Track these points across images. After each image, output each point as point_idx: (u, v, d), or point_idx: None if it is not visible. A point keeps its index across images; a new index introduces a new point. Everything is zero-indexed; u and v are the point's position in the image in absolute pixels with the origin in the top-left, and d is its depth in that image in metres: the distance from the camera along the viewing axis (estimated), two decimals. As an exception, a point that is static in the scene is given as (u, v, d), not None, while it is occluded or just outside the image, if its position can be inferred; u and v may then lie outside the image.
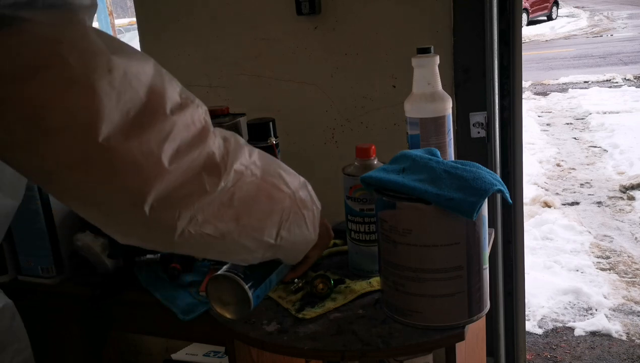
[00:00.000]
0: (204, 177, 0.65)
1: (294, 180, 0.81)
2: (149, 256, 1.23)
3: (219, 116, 1.48)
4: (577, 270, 3.10)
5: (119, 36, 9.95)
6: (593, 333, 2.51)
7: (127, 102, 0.58)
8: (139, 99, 0.59)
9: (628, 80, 7.92)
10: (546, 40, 12.60)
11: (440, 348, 1.00)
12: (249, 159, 0.72)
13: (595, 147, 5.39)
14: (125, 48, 0.62)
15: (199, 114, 0.66)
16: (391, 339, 0.94)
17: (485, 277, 0.96)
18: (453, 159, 1.25)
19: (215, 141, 0.67)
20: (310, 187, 0.85)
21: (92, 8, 0.62)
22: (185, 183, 0.63)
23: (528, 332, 2.46)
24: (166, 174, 0.61)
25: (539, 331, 2.56)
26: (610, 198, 4.15)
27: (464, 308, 0.95)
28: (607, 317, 2.61)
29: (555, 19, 15.75)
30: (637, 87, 7.52)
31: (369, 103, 1.73)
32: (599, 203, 4.08)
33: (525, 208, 2.42)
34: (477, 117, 1.62)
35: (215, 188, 0.66)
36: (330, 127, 1.79)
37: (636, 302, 2.74)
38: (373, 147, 1.12)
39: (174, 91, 0.64)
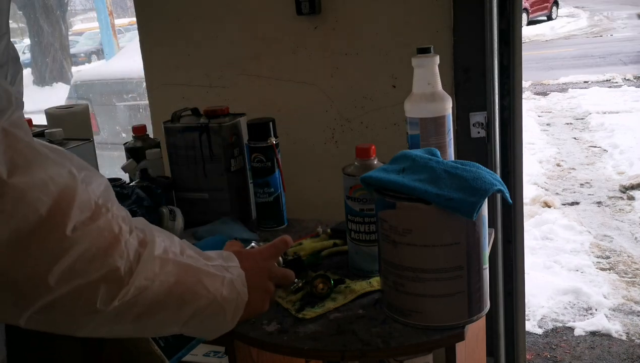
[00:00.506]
0: (98, 293, 0.63)
1: (215, 282, 0.76)
2: None
3: (219, 116, 1.49)
4: (577, 270, 3.10)
5: (119, 36, 9.95)
6: (593, 333, 2.51)
7: (20, 221, 0.57)
8: (37, 217, 0.58)
9: (628, 80, 7.92)
10: (546, 40, 12.60)
11: (440, 348, 1.00)
12: (161, 270, 0.69)
13: (595, 147, 5.39)
14: (39, 159, 0.60)
15: (112, 224, 0.64)
16: (391, 339, 0.94)
17: (485, 277, 0.96)
18: (453, 159, 1.26)
19: (126, 252, 0.65)
20: (239, 281, 0.80)
21: (8, 110, 0.60)
22: (73, 299, 0.61)
23: (528, 332, 2.46)
24: (50, 294, 0.60)
25: (539, 331, 2.56)
26: (610, 198, 4.15)
27: (464, 308, 0.95)
28: (607, 316, 2.61)
29: (555, 19, 15.75)
30: (637, 87, 7.51)
31: (369, 103, 1.73)
32: (599, 203, 4.08)
33: (525, 208, 2.42)
34: (477, 117, 1.62)
35: (107, 306, 0.63)
36: (330, 127, 1.79)
37: (636, 302, 2.74)
38: (373, 147, 1.12)
39: (87, 201, 0.62)
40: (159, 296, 0.68)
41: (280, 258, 0.99)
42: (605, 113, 6.34)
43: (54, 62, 10.75)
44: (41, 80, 10.81)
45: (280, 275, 0.91)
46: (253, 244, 1.04)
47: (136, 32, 2.06)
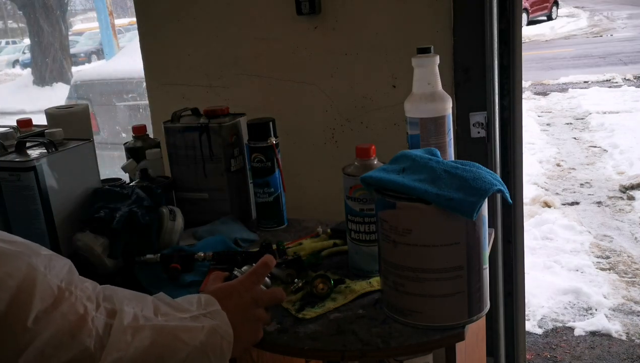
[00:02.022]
0: None
1: (193, 334, 0.77)
2: (148, 256, 1.23)
3: (219, 116, 1.49)
4: (577, 270, 3.10)
5: (119, 36, 9.95)
6: (593, 333, 2.51)
7: None
8: None
9: (628, 80, 7.92)
10: (546, 40, 12.59)
11: (440, 348, 1.00)
12: (133, 338, 0.71)
13: (595, 147, 5.39)
14: None
15: (76, 306, 0.67)
16: (391, 339, 0.94)
17: (485, 277, 0.96)
18: (453, 158, 1.25)
19: (94, 329, 0.67)
20: (221, 324, 0.81)
21: None
22: None
23: (528, 332, 2.46)
24: None
25: (539, 331, 2.56)
26: (610, 198, 4.15)
27: (464, 308, 0.95)
28: (607, 316, 2.61)
29: (555, 19, 15.75)
30: (637, 87, 7.51)
31: (369, 103, 1.73)
32: (599, 203, 4.08)
33: (525, 208, 2.42)
34: (477, 117, 1.62)
35: None
36: (330, 127, 1.79)
37: (636, 302, 2.74)
38: (373, 147, 1.12)
39: (49, 288, 0.65)
40: (134, 360, 0.70)
41: (267, 278, 0.99)
42: (605, 113, 6.34)
43: (54, 62, 10.75)
44: (41, 80, 10.82)
45: (268, 299, 0.92)
46: (235, 273, 1.05)
47: (136, 32, 2.06)
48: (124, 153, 1.67)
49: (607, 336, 2.48)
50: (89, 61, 12.82)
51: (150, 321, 0.74)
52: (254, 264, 1.00)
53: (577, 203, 4.11)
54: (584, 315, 2.67)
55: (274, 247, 1.20)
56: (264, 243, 1.20)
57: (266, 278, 0.97)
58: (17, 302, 0.62)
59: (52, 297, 0.65)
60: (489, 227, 0.97)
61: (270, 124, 1.40)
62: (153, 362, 0.73)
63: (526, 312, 2.35)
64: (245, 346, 0.88)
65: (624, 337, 2.46)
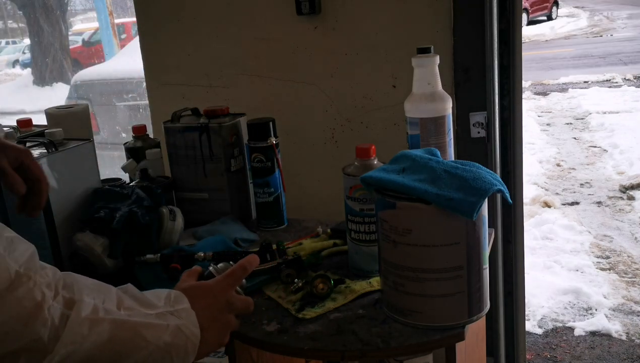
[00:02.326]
0: (20, 362, 0.63)
1: (156, 332, 0.73)
2: (148, 256, 1.23)
3: (219, 116, 1.49)
4: (577, 270, 3.10)
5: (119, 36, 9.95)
6: (593, 333, 2.51)
7: None
8: None
9: (628, 80, 7.92)
10: (546, 40, 12.59)
11: (440, 348, 1.00)
12: (90, 331, 0.67)
13: (595, 147, 5.39)
14: None
15: (34, 292, 0.64)
16: (391, 339, 0.94)
17: (485, 277, 0.96)
18: (453, 158, 1.25)
19: (49, 319, 0.64)
20: (188, 324, 0.78)
21: None
22: None
23: (528, 332, 2.46)
24: None
25: (539, 331, 2.56)
26: (610, 198, 4.15)
27: (464, 308, 0.95)
28: (607, 316, 2.61)
29: (555, 19, 15.74)
30: (637, 87, 7.51)
31: (369, 103, 1.73)
32: (599, 203, 4.08)
33: (525, 209, 2.42)
34: (477, 117, 1.62)
35: None
36: (330, 127, 1.79)
37: (636, 302, 2.74)
38: (373, 147, 1.12)
39: (4, 270, 0.62)
40: (90, 355, 0.67)
41: (238, 289, 0.93)
42: (605, 113, 6.34)
43: (54, 62, 10.75)
44: (41, 80, 10.81)
45: (241, 306, 0.88)
46: (210, 269, 0.96)
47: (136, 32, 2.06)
48: (124, 153, 1.67)
49: (607, 336, 2.48)
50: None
51: (111, 314, 0.70)
52: (231, 263, 0.96)
53: (577, 203, 4.11)
54: (584, 315, 2.67)
55: (274, 247, 1.20)
56: (264, 243, 1.20)
57: (243, 280, 0.92)
58: None
59: (8, 280, 0.62)
60: (489, 227, 0.97)
61: (270, 124, 1.40)
62: (110, 358, 0.69)
63: (526, 312, 2.35)
64: (210, 350, 0.84)
65: (624, 337, 2.46)
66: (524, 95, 2.58)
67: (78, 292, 0.68)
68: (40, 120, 1.72)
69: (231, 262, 0.96)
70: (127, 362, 0.71)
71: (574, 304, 2.76)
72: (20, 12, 10.96)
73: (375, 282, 1.10)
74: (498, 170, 1.64)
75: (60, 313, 0.65)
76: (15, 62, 14.57)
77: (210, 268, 0.96)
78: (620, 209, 3.93)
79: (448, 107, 1.19)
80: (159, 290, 0.80)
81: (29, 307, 0.63)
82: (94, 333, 0.67)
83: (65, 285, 0.67)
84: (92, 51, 10.25)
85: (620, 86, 7.63)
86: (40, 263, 0.68)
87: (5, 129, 1.47)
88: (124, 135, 5.31)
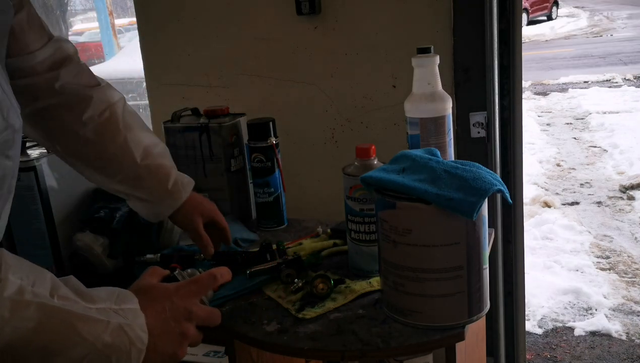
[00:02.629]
0: None
1: (94, 328, 0.65)
2: (148, 256, 1.23)
3: (219, 116, 1.49)
4: (577, 270, 3.10)
5: (119, 36, 9.95)
6: (593, 333, 2.51)
7: None
8: None
9: (628, 80, 7.92)
10: (546, 40, 12.59)
11: (440, 348, 1.00)
12: (13, 314, 0.59)
13: (595, 147, 5.39)
14: None
15: None
16: (391, 339, 0.94)
17: (485, 277, 0.96)
18: (453, 158, 1.26)
19: None
20: (133, 325, 0.69)
21: None
22: None
23: (528, 332, 2.46)
24: None
25: (539, 331, 2.56)
26: (610, 198, 4.15)
27: (464, 308, 0.95)
28: (607, 316, 2.61)
29: (555, 19, 15.75)
30: (637, 87, 7.51)
31: (369, 103, 1.73)
32: (599, 203, 4.08)
33: (525, 208, 2.42)
34: (477, 117, 1.62)
35: None
36: (330, 127, 1.79)
37: (636, 302, 2.74)
38: (373, 147, 1.12)
39: None
40: (12, 345, 0.59)
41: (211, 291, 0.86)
42: (605, 113, 6.34)
43: (54, 62, 10.74)
44: (41, 80, 10.81)
45: (204, 316, 0.78)
46: (176, 274, 0.87)
47: (136, 32, 2.06)
48: (124, 153, 1.67)
49: (607, 336, 2.48)
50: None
51: (41, 299, 0.61)
52: (200, 271, 0.88)
53: (577, 203, 4.11)
54: (584, 315, 2.67)
55: (274, 247, 1.20)
56: (264, 243, 1.20)
57: (210, 291, 0.84)
58: None
59: None
60: (489, 227, 0.97)
61: (270, 124, 1.40)
62: (35, 352, 0.61)
63: (526, 312, 2.35)
64: (162, 361, 0.73)
65: (624, 337, 2.46)
66: (524, 95, 2.59)
67: (4, 269, 0.60)
68: (40, 120, 1.72)
69: (200, 270, 0.88)
70: (57, 360, 0.63)
71: (574, 304, 2.76)
72: (21, 12, 10.95)
73: (375, 282, 1.10)
74: (498, 170, 1.64)
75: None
76: (15, 62, 14.56)
77: (176, 272, 0.87)
78: (620, 209, 3.93)
79: (448, 107, 1.19)
80: (106, 287, 0.71)
81: None
82: (17, 318, 0.59)
83: None
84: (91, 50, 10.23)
85: (620, 86, 7.63)
86: None
87: None
88: (124, 135, 5.30)
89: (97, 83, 1.07)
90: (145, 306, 0.72)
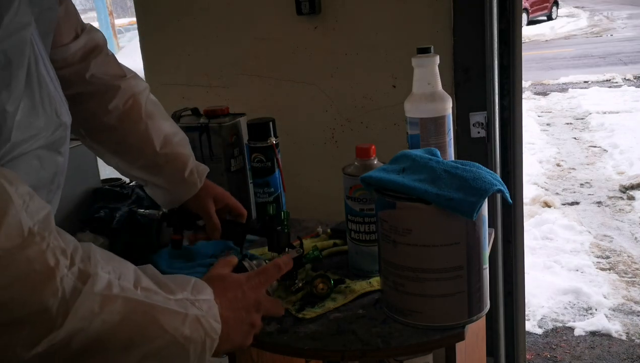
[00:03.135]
0: (20, 336, 0.55)
1: (174, 320, 0.67)
2: (149, 211, 1.23)
3: (219, 116, 1.49)
4: (577, 270, 3.10)
5: (119, 36, 9.96)
6: (593, 333, 2.51)
7: None
8: None
9: (628, 80, 7.93)
10: (546, 40, 12.60)
11: (440, 348, 1.00)
12: (102, 308, 0.60)
13: (595, 147, 5.39)
14: None
15: (46, 256, 0.57)
16: (391, 339, 0.94)
17: (485, 277, 0.96)
18: (453, 158, 1.25)
19: (60, 289, 0.57)
20: (208, 317, 0.71)
21: None
22: None
23: (528, 332, 2.46)
24: None
25: (539, 331, 2.56)
26: (610, 198, 4.15)
27: (464, 308, 0.95)
28: (607, 316, 2.61)
29: (555, 19, 15.75)
30: (637, 87, 7.52)
31: (369, 103, 1.73)
32: (599, 203, 4.08)
33: (525, 208, 2.42)
34: (477, 117, 1.62)
35: (28, 352, 0.55)
36: (330, 127, 1.79)
37: (636, 302, 2.74)
38: (373, 147, 1.12)
39: (17, 226, 0.55)
40: (99, 336, 0.60)
41: (275, 282, 0.93)
42: (605, 113, 6.34)
43: (54, 62, 10.73)
44: (41, 80, 10.80)
45: (270, 307, 0.84)
46: (245, 264, 0.94)
47: (136, 32, 2.06)
48: (124, 153, 1.67)
49: (607, 336, 2.48)
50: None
51: (127, 292, 0.63)
52: (265, 261, 0.96)
53: (577, 203, 4.11)
54: (584, 315, 2.67)
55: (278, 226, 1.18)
56: (267, 217, 1.19)
57: (275, 282, 0.89)
58: None
59: (19, 237, 0.55)
60: (489, 227, 0.97)
61: (270, 124, 1.40)
62: (119, 343, 0.62)
63: (526, 312, 2.35)
64: (230, 350, 0.77)
65: (624, 337, 2.46)
66: (524, 95, 2.59)
67: (94, 264, 0.61)
68: (40, 120, 1.72)
69: (266, 261, 0.95)
70: (139, 350, 0.64)
71: (574, 304, 2.76)
72: (20, 12, 10.94)
73: (375, 282, 1.10)
74: (498, 170, 1.64)
75: (72, 285, 0.58)
76: (15, 62, 14.57)
77: (245, 262, 0.92)
78: (620, 209, 3.93)
79: (448, 107, 1.19)
80: (181, 276, 0.74)
81: (39, 271, 0.56)
82: (105, 312, 0.60)
83: (82, 258, 0.61)
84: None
85: (620, 86, 7.63)
86: (57, 228, 0.61)
87: None
88: (124, 135, 5.30)
89: (125, 74, 1.10)
90: (218, 296, 0.74)
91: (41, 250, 0.56)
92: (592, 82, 8.02)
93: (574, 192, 4.34)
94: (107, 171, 1.80)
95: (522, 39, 1.62)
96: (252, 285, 0.81)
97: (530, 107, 6.98)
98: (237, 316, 0.77)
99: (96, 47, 1.06)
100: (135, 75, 1.13)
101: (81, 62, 1.03)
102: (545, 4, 15.68)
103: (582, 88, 7.79)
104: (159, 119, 1.15)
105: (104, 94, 1.07)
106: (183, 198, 1.17)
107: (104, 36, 1.09)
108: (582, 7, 17.61)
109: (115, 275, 0.63)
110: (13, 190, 0.56)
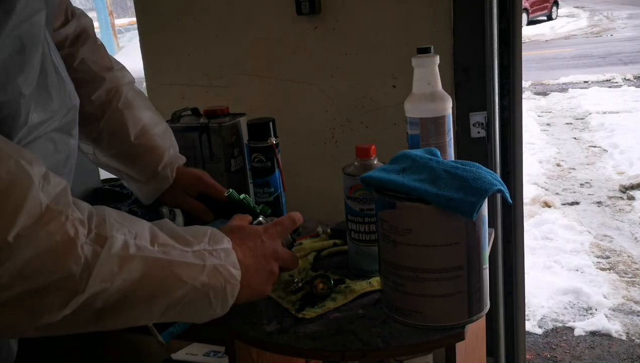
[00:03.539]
0: (47, 302, 0.59)
1: (191, 271, 0.70)
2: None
3: (219, 116, 1.49)
4: (577, 270, 3.10)
5: (119, 36, 9.96)
6: (593, 333, 2.51)
7: None
8: None
9: (628, 80, 7.93)
10: (546, 40, 12.60)
11: (440, 348, 1.00)
12: (121, 268, 0.63)
13: (595, 147, 5.39)
14: None
15: (66, 227, 0.60)
16: (391, 339, 0.94)
17: (485, 277, 0.96)
18: (453, 158, 1.25)
19: (83, 255, 0.60)
20: (226, 265, 0.74)
21: None
22: (17, 308, 0.58)
23: (528, 332, 2.46)
24: None
25: (539, 331, 2.56)
26: (610, 198, 4.15)
27: (464, 308, 0.95)
28: (607, 316, 2.61)
29: (555, 19, 15.76)
30: (637, 87, 7.52)
31: (369, 103, 1.73)
32: (599, 203, 4.08)
33: (525, 208, 2.42)
34: (477, 117, 1.62)
35: (57, 315, 0.60)
36: (330, 127, 1.79)
37: (636, 302, 2.74)
38: (373, 147, 1.12)
39: (37, 203, 0.58)
40: (121, 295, 0.64)
41: (289, 235, 0.96)
42: (605, 113, 6.35)
43: (54, 62, 10.74)
44: (41, 80, 10.80)
45: (287, 257, 0.88)
46: (260, 219, 0.99)
47: (136, 32, 2.06)
48: (124, 153, 1.67)
49: (607, 336, 2.48)
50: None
51: (143, 251, 0.66)
52: (273, 218, 0.97)
53: (577, 203, 4.11)
54: (584, 315, 2.67)
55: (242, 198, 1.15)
56: (227, 194, 1.15)
57: (289, 235, 0.92)
58: (0, 210, 0.55)
59: (39, 214, 0.58)
60: (489, 227, 0.97)
61: (270, 124, 1.40)
62: (141, 298, 0.66)
63: (526, 312, 2.35)
64: (252, 296, 0.81)
65: (624, 337, 2.46)
66: (524, 95, 2.59)
67: (110, 227, 0.64)
68: (40, 120, 1.72)
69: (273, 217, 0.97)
70: (162, 302, 0.68)
71: (574, 304, 2.76)
72: (20, 12, 10.95)
73: (375, 282, 1.10)
74: (498, 170, 1.64)
75: (92, 250, 0.61)
76: (15, 62, 14.56)
77: (260, 218, 0.96)
78: (620, 209, 3.93)
79: (448, 107, 1.19)
80: (198, 227, 0.76)
81: (61, 242, 0.59)
82: (125, 271, 0.64)
83: (97, 223, 0.64)
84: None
85: (620, 86, 7.64)
86: (73, 198, 0.64)
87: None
88: (124, 135, 5.30)
89: (112, 66, 1.11)
90: (237, 244, 0.78)
91: (61, 223, 0.59)
92: (592, 82, 8.03)
93: (574, 192, 4.34)
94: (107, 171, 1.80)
95: (522, 39, 1.62)
96: (270, 234, 0.85)
97: (530, 107, 6.98)
98: (256, 263, 0.81)
99: (83, 32, 1.07)
100: (122, 67, 1.14)
101: (70, 47, 1.04)
102: (545, 4, 15.69)
103: (582, 88, 7.79)
104: (139, 109, 1.14)
105: (89, 84, 1.07)
106: (155, 193, 1.17)
107: (92, 21, 1.09)
108: (582, 7, 17.62)
109: (131, 235, 0.66)
110: (32, 170, 0.59)
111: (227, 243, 0.76)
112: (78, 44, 1.05)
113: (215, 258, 0.73)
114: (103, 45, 1.12)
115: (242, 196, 1.17)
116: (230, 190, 1.17)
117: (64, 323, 0.61)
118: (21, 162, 0.58)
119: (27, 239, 0.56)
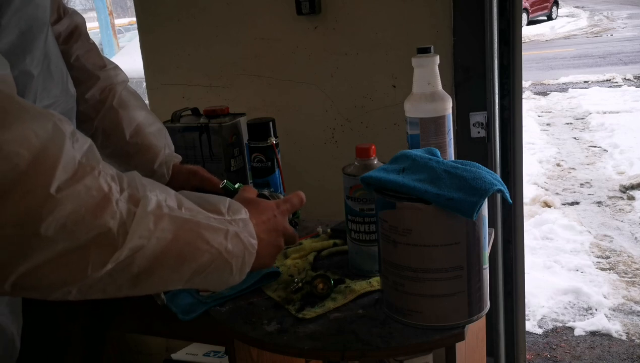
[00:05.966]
0: (89, 258, 0.60)
1: (217, 236, 0.72)
2: None
3: (219, 116, 1.49)
4: (577, 270, 3.10)
5: (119, 36, 9.95)
6: (593, 333, 2.51)
7: None
8: (17, 173, 0.54)
9: (628, 80, 7.93)
10: (546, 40, 12.60)
11: (440, 348, 1.00)
12: (156, 227, 0.65)
13: (595, 147, 5.39)
14: (21, 112, 0.56)
15: (100, 183, 0.60)
16: (391, 339, 0.94)
17: (485, 277, 0.96)
18: (453, 158, 1.26)
19: (118, 211, 0.61)
20: (245, 233, 0.76)
21: None
22: (60, 265, 0.58)
23: (528, 331, 2.46)
24: (32, 258, 0.56)
25: (539, 331, 2.56)
26: (610, 198, 4.15)
27: (464, 308, 0.95)
28: (607, 316, 2.61)
29: (555, 18, 15.76)
30: (637, 87, 7.52)
31: (369, 103, 1.73)
32: (599, 203, 4.08)
33: (525, 208, 2.42)
34: (477, 117, 1.62)
35: (99, 271, 0.60)
36: (330, 127, 1.79)
37: (636, 302, 2.74)
38: (373, 147, 1.12)
39: (71, 158, 0.58)
40: (156, 254, 0.65)
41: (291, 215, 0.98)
42: (605, 113, 6.35)
43: (54, 62, 10.72)
44: (41, 80, 10.79)
45: (292, 234, 0.90)
46: (265, 192, 1.01)
47: (136, 32, 2.06)
48: (124, 153, 1.67)
49: (607, 336, 2.48)
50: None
51: (174, 212, 0.67)
52: (283, 194, 0.99)
53: (577, 203, 4.11)
54: (584, 315, 2.67)
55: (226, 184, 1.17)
56: (222, 185, 1.17)
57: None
58: (40, 165, 0.55)
59: (73, 169, 0.58)
60: (489, 227, 0.97)
61: (270, 124, 1.40)
62: (173, 259, 0.67)
63: (526, 312, 2.35)
64: (260, 266, 0.83)
65: (624, 337, 2.46)
66: (524, 95, 2.59)
67: (142, 188, 0.65)
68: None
69: (283, 194, 1.00)
70: (189, 266, 0.69)
71: (574, 304, 2.76)
72: (20, 12, 10.93)
73: (375, 282, 1.10)
74: (498, 170, 1.64)
75: (127, 208, 0.62)
76: (15, 62, 14.56)
77: (265, 191, 0.98)
78: (620, 209, 3.93)
79: (448, 107, 1.19)
80: (217, 196, 0.78)
81: (98, 197, 0.60)
82: (159, 230, 0.65)
83: (128, 183, 0.64)
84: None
85: (620, 86, 7.64)
86: (101, 158, 0.65)
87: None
88: (124, 135, 5.29)
89: (105, 64, 1.11)
90: (254, 216, 0.80)
91: (94, 177, 0.60)
92: (592, 82, 8.03)
93: (574, 192, 4.34)
94: (107, 171, 1.81)
95: (522, 39, 1.62)
96: (281, 211, 0.88)
97: (530, 107, 6.98)
98: (268, 237, 0.84)
99: (76, 29, 1.07)
100: (115, 66, 1.14)
101: (64, 44, 1.04)
102: (545, 4, 15.69)
103: (582, 88, 7.80)
104: (134, 108, 1.15)
105: (83, 83, 1.07)
106: None
107: (84, 20, 1.10)
108: (582, 7, 17.62)
109: (162, 197, 0.67)
110: (64, 127, 0.59)
111: (244, 214, 0.78)
112: (71, 41, 1.06)
113: (235, 226, 0.75)
114: (95, 44, 1.12)
115: (237, 185, 1.18)
116: (225, 181, 1.18)
117: (103, 284, 0.62)
118: (54, 120, 0.59)
119: (67, 193, 0.57)
